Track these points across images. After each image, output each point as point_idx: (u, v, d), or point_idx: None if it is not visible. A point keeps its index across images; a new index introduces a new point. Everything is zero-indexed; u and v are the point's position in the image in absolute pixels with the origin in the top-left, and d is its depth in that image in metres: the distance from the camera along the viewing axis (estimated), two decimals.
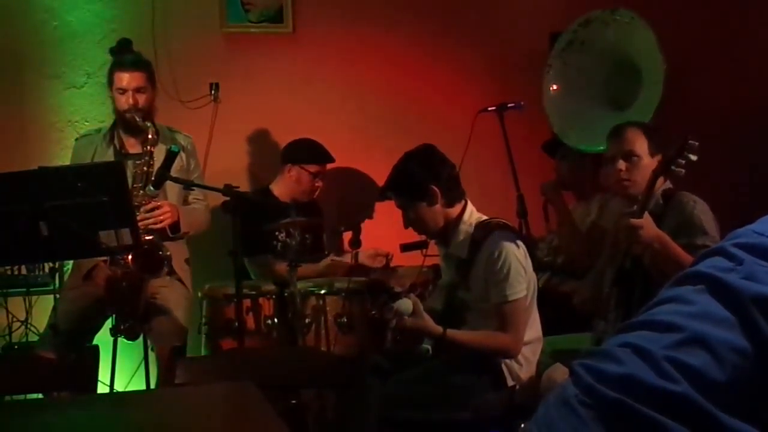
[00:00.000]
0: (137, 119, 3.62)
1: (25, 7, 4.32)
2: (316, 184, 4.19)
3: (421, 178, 3.00)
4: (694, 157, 2.69)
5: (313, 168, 4.15)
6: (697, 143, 2.68)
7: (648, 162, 2.99)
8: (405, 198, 3.05)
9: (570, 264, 3.88)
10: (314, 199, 4.31)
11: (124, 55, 3.76)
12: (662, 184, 3.03)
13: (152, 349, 3.59)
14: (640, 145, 3.03)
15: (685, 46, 4.88)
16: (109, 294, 3.44)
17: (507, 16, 4.40)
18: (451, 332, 2.89)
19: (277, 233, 3.41)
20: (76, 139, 3.86)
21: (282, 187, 4.20)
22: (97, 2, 4.40)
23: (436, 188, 2.99)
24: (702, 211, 2.92)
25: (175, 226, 3.61)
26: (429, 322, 2.86)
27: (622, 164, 3.04)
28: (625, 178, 3.04)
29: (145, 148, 3.61)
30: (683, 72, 4.90)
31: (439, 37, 4.78)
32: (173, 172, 3.37)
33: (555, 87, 4.15)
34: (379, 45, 4.72)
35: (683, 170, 2.72)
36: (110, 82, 3.73)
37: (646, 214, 2.80)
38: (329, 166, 4.26)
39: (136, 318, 3.43)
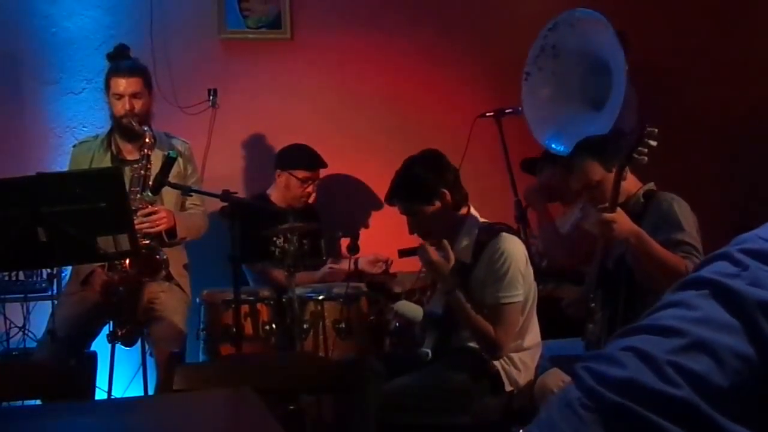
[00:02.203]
0: (134, 124, 3.62)
1: (24, 13, 4.32)
2: (306, 190, 4.17)
3: (432, 181, 3.01)
4: (653, 143, 2.70)
5: (300, 174, 4.14)
6: (656, 130, 2.70)
7: (610, 177, 3.01)
8: (414, 202, 3.04)
9: (553, 268, 3.87)
10: (311, 205, 4.31)
11: (120, 61, 3.76)
12: (643, 185, 3.04)
13: (151, 355, 3.58)
14: (594, 171, 3.04)
15: (677, 51, 4.91)
16: (106, 299, 3.44)
17: (505, 21, 4.41)
18: (459, 293, 2.91)
19: (275, 239, 3.41)
20: (74, 146, 3.85)
21: (276, 193, 4.20)
22: (95, 9, 4.40)
23: (446, 191, 2.99)
24: (679, 207, 2.93)
25: (171, 232, 3.60)
26: (449, 269, 2.90)
27: (587, 196, 3.11)
28: (597, 205, 3.09)
29: (142, 152, 3.60)
30: (676, 75, 4.93)
31: (438, 42, 4.78)
32: (171, 178, 3.37)
33: (536, 97, 4.13)
34: (378, 51, 4.73)
35: (646, 158, 2.73)
36: (107, 87, 3.72)
37: (619, 209, 2.80)
38: (328, 171, 4.26)
39: (133, 324, 3.42)
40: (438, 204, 3.01)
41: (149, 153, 3.59)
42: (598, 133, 3.81)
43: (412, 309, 2.93)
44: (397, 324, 2.94)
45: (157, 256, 3.47)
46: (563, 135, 4.08)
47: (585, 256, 3.71)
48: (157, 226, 3.53)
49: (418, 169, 3.04)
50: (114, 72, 3.71)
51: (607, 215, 2.77)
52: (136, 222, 3.31)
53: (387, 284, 3.67)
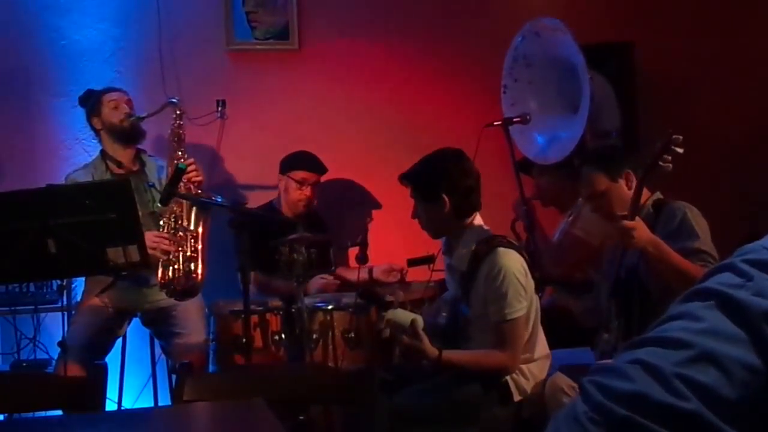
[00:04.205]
0: (140, 117, 3.74)
1: (34, 27, 4.35)
2: (305, 193, 4.18)
3: (437, 182, 3.00)
4: (680, 150, 2.71)
5: (296, 175, 4.17)
6: (681, 137, 2.70)
7: (615, 187, 3.02)
8: (418, 192, 3.07)
9: (545, 277, 3.85)
10: (318, 215, 4.32)
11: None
12: (651, 195, 3.05)
13: (172, 372, 3.62)
14: (598, 182, 3.06)
15: (685, 61, 4.91)
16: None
17: (512, 31, 4.41)
18: (447, 354, 2.88)
19: (281, 249, 3.41)
20: (67, 177, 3.85)
21: (280, 201, 4.23)
22: (104, 21, 4.43)
23: (446, 198, 2.99)
24: (693, 215, 2.93)
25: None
26: (426, 344, 2.86)
27: (591, 207, 3.13)
28: (602, 215, 3.09)
29: (175, 117, 3.73)
30: (684, 85, 4.92)
31: (445, 52, 4.79)
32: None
33: (517, 110, 4.13)
34: (385, 61, 4.74)
35: (670, 165, 2.74)
36: (98, 106, 3.82)
37: (638, 218, 2.81)
38: (336, 180, 4.26)
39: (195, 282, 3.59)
40: (436, 206, 3.01)
41: (181, 113, 3.74)
42: (573, 135, 3.82)
43: (404, 315, 2.92)
44: (390, 332, 2.93)
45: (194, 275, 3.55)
46: (549, 142, 4.08)
47: (575, 265, 3.71)
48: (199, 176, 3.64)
49: (437, 164, 3.05)
50: (103, 91, 3.86)
51: (628, 223, 2.77)
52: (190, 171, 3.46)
53: (377, 292, 3.67)
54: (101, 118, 3.81)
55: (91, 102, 3.85)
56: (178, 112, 3.74)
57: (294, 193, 4.18)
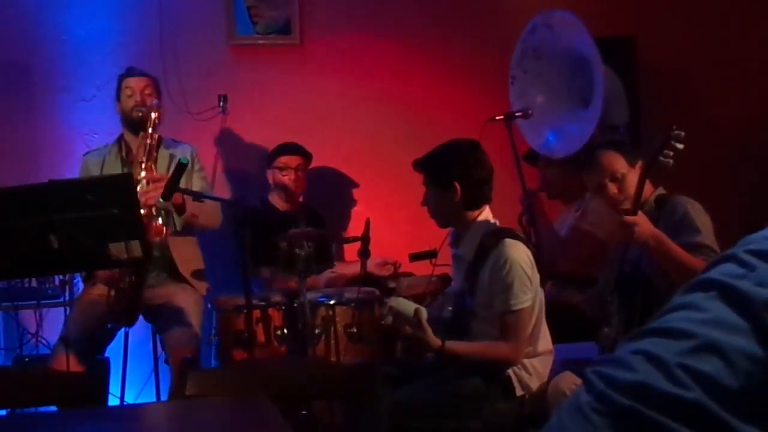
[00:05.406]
0: (143, 111, 3.67)
1: (35, 21, 4.35)
2: (288, 177, 4.18)
3: (450, 171, 3.00)
4: (680, 146, 2.69)
5: (277, 163, 4.19)
6: (682, 133, 2.69)
7: (631, 173, 3.00)
8: (429, 178, 3.07)
9: (552, 270, 3.84)
10: (316, 210, 4.32)
11: (132, 69, 3.89)
12: (654, 190, 3.04)
13: (166, 362, 3.61)
14: (620, 163, 3.03)
15: (687, 54, 4.90)
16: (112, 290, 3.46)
17: (515, 26, 4.42)
18: (450, 344, 2.88)
19: (284, 244, 3.42)
20: (84, 154, 3.90)
21: (273, 195, 4.25)
22: (106, 16, 4.43)
23: (458, 186, 2.99)
24: (694, 210, 2.92)
25: (180, 207, 3.59)
26: (429, 334, 2.86)
27: (612, 187, 3.05)
28: (621, 198, 3.04)
29: (149, 128, 3.58)
30: (686, 78, 4.91)
31: (447, 46, 4.79)
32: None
33: (525, 101, 4.12)
34: (387, 56, 4.74)
35: (671, 161, 2.72)
36: (119, 90, 3.82)
37: (640, 212, 2.80)
38: (337, 176, 4.26)
39: (133, 303, 3.41)
40: (446, 194, 3.01)
41: (156, 122, 3.59)
42: (586, 129, 3.80)
43: (407, 305, 2.92)
44: (392, 320, 2.93)
45: (155, 223, 3.48)
46: (558, 136, 4.07)
47: (586, 259, 3.69)
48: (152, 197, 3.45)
49: (452, 152, 3.05)
50: (127, 74, 3.85)
51: (629, 218, 2.77)
52: (140, 192, 3.31)
53: (380, 279, 3.67)
54: (120, 102, 3.83)
55: (118, 82, 3.86)
56: (153, 115, 3.59)
57: (280, 182, 4.19)
